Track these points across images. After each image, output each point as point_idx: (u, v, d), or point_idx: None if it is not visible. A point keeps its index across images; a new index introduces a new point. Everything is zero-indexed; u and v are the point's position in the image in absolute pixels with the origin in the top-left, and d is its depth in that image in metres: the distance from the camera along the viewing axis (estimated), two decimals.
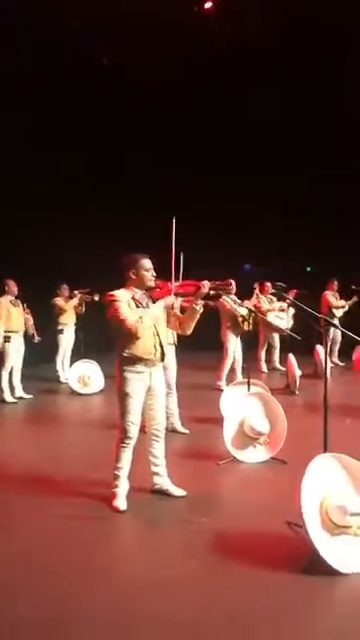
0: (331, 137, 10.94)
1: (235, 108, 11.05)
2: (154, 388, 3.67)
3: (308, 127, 11.01)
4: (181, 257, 3.99)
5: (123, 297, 3.58)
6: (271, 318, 8.36)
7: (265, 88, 10.18)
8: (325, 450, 3.16)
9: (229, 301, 6.98)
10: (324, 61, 10.07)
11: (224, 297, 6.80)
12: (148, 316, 3.56)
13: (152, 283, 3.67)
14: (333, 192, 11.07)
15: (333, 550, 2.82)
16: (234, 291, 7.25)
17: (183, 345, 5.51)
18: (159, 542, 3.20)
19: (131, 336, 3.52)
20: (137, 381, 3.59)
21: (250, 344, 6.71)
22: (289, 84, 10.57)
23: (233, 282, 7.21)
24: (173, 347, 5.37)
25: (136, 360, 3.56)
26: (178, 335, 5.20)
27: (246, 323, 6.80)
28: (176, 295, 3.70)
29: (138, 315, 3.51)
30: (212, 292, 4.66)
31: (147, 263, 3.66)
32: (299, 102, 10.81)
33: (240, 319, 7.00)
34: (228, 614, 2.50)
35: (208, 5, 9.25)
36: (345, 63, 10.07)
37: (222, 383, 7.29)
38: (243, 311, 6.75)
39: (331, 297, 9.47)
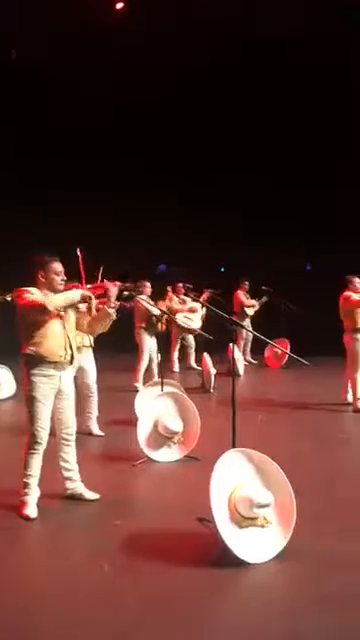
0: (247, 139, 11.31)
1: (141, 114, 11.11)
2: (64, 391, 3.59)
3: (221, 128, 11.31)
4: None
5: (34, 291, 3.49)
6: (180, 318, 8.48)
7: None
8: (234, 446, 3.25)
9: (144, 301, 6.98)
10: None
11: (139, 297, 6.80)
12: (56, 318, 3.49)
13: (62, 287, 3.58)
14: (248, 195, 11.46)
15: (241, 542, 2.91)
16: (149, 292, 7.32)
17: (102, 347, 5.44)
18: (70, 548, 3.14)
19: (39, 330, 3.42)
20: (46, 385, 3.50)
21: (163, 344, 6.76)
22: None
23: (148, 283, 7.31)
24: (90, 350, 5.30)
25: (43, 361, 3.46)
26: (95, 337, 5.15)
27: (159, 323, 6.85)
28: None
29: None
30: (125, 293, 4.68)
31: (57, 266, 3.56)
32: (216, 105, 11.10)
33: (154, 319, 7.03)
34: (134, 614, 2.51)
35: (119, 6, 9.23)
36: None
37: (139, 384, 7.29)
38: (157, 312, 6.79)
39: (243, 296, 9.81)
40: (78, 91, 10.17)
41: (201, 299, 7.79)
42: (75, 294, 3.50)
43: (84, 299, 3.51)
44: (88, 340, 5.20)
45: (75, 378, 5.06)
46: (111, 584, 2.77)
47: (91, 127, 10.75)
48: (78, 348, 4.92)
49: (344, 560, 2.93)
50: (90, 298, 3.53)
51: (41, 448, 3.54)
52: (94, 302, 3.58)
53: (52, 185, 10.69)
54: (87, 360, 5.26)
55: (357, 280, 6.37)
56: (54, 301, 3.42)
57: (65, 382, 3.60)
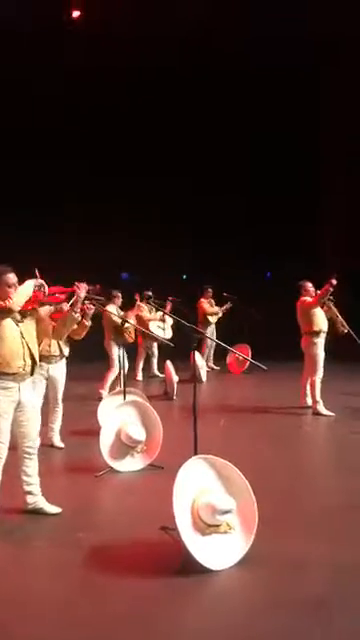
0: (211, 150, 11.46)
1: (109, 114, 11.14)
2: (24, 403, 3.52)
3: (189, 135, 11.42)
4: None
5: None
6: (153, 327, 8.49)
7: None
8: (195, 453, 3.27)
9: (112, 311, 6.93)
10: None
11: (107, 308, 6.75)
12: (12, 327, 3.43)
13: None
14: (211, 204, 11.61)
15: (205, 549, 2.93)
16: (120, 302, 7.29)
17: (70, 356, 5.32)
18: (31, 563, 3.09)
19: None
20: (5, 398, 3.43)
21: (128, 353, 6.72)
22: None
23: (119, 293, 7.29)
24: (63, 360, 5.16)
25: (1, 373, 3.40)
26: (70, 346, 5.08)
27: (127, 334, 6.81)
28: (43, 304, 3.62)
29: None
30: (86, 301, 4.66)
31: (10, 278, 3.48)
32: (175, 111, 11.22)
33: (124, 330, 6.96)
34: (99, 625, 2.49)
35: (76, 14, 9.23)
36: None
37: (104, 391, 7.21)
38: (125, 323, 6.74)
39: (206, 304, 9.88)
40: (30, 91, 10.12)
41: (166, 310, 7.82)
42: (27, 285, 3.50)
43: (38, 288, 3.50)
44: (58, 349, 5.03)
45: (45, 388, 4.99)
46: (75, 596, 2.73)
47: (46, 127, 10.68)
48: (47, 357, 4.86)
49: (306, 563, 2.98)
50: (42, 286, 3.53)
51: (1, 463, 3.47)
52: (46, 288, 3.56)
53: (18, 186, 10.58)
54: (57, 370, 5.10)
55: (309, 285, 6.54)
56: (14, 300, 3.39)
57: (24, 394, 3.52)
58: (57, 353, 5.01)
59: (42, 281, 3.56)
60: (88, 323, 4.91)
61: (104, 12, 9.19)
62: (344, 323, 6.67)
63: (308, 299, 6.42)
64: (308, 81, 10.81)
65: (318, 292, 6.35)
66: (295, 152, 11.45)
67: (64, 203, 11.05)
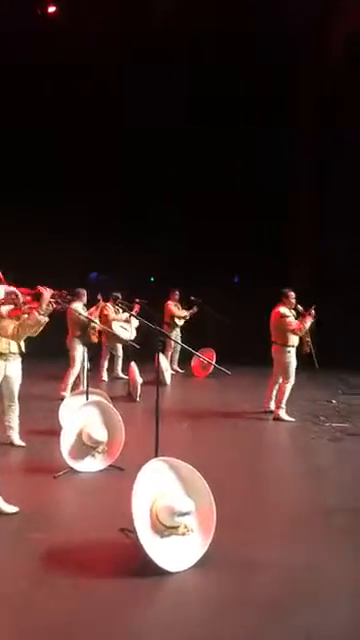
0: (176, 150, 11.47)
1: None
2: None
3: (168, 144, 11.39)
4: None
5: None
6: (116, 328, 8.44)
7: None
8: (156, 455, 3.28)
9: (79, 309, 6.86)
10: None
11: (73, 305, 6.66)
12: None
13: None
14: (179, 208, 11.63)
15: (162, 551, 2.94)
16: (85, 300, 7.21)
17: (31, 354, 5.24)
18: None
19: None
20: None
21: (92, 353, 6.67)
22: None
23: (85, 292, 7.20)
24: (19, 357, 5.08)
25: None
26: (25, 344, 4.98)
27: (92, 333, 6.75)
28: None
29: None
30: (52, 300, 4.59)
31: None
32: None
33: (89, 329, 6.89)
34: (54, 627, 2.46)
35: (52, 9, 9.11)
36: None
37: (66, 393, 7.13)
38: (93, 322, 6.68)
39: (173, 307, 9.87)
40: None
41: (133, 311, 7.79)
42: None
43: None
44: (17, 347, 4.96)
45: None
46: (32, 597, 2.70)
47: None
48: (5, 355, 4.77)
49: (262, 564, 3.03)
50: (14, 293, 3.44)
51: None
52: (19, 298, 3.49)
53: None
54: (14, 368, 5.01)
55: (292, 295, 6.51)
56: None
57: None
58: (16, 351, 4.94)
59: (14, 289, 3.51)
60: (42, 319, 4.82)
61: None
62: (310, 345, 6.71)
63: (286, 311, 6.44)
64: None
65: (300, 320, 6.39)
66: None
67: (30, 203, 10.87)
